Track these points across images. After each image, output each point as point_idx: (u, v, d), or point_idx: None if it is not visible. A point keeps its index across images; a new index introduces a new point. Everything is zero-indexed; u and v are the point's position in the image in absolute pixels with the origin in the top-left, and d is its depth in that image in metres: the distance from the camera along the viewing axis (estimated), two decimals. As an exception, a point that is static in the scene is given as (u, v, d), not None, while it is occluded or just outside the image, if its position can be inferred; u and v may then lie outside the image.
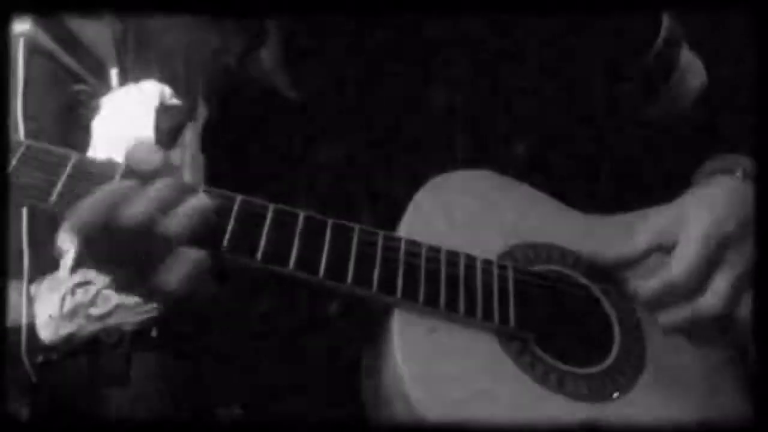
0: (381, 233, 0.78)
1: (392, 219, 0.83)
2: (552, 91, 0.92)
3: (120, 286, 0.76)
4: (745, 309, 0.78)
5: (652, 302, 0.80)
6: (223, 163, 0.91)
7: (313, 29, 0.90)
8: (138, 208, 0.69)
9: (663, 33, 0.93)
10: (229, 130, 0.92)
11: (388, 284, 0.76)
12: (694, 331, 0.80)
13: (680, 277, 0.78)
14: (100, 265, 0.76)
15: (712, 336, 0.80)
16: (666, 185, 0.92)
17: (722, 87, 0.96)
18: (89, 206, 0.69)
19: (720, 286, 0.78)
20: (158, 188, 0.71)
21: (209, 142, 0.90)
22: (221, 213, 0.74)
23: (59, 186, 0.72)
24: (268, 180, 0.83)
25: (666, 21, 0.94)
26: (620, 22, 0.92)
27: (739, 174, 0.86)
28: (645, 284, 0.80)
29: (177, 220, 0.70)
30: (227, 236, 0.74)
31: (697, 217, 0.80)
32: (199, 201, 0.72)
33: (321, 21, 0.90)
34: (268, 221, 0.75)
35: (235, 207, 0.75)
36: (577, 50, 0.92)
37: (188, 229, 0.70)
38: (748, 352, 0.85)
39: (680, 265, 0.78)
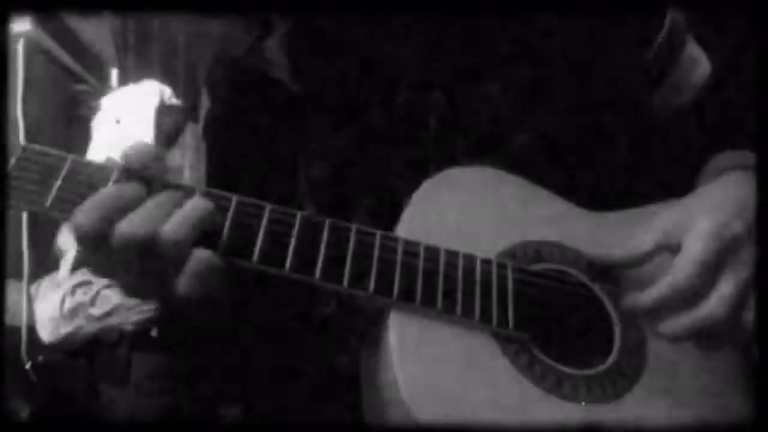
0: (378, 233, 0.78)
1: (392, 216, 0.82)
2: (554, 83, 0.91)
3: (128, 292, 0.76)
4: (750, 313, 0.76)
5: (654, 311, 0.78)
6: (225, 154, 0.90)
7: (318, 23, 0.89)
8: (136, 222, 0.69)
9: (666, 24, 0.92)
10: (231, 121, 0.91)
11: (384, 286, 0.75)
12: (700, 337, 0.78)
13: (683, 283, 0.76)
14: (103, 273, 0.75)
15: (718, 341, 0.79)
16: (671, 180, 0.91)
17: (726, 78, 0.95)
18: (86, 213, 0.69)
19: (725, 290, 0.76)
20: (157, 201, 0.70)
21: (211, 133, 0.89)
22: (217, 215, 0.74)
23: (54, 190, 0.71)
24: (269, 172, 0.83)
25: (669, 12, 0.93)
26: (623, 13, 0.91)
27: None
28: (646, 293, 0.78)
29: (175, 227, 0.69)
30: (223, 238, 0.73)
31: (702, 218, 0.78)
32: (197, 203, 0.72)
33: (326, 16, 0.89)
34: (264, 222, 0.74)
35: (231, 208, 0.74)
36: (580, 41, 0.91)
37: (187, 233, 0.70)
38: (750, 352, 0.84)
39: (683, 270, 0.76)
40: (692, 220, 0.79)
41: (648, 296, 0.78)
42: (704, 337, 0.78)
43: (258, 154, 0.83)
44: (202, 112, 0.90)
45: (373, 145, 0.89)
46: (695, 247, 0.77)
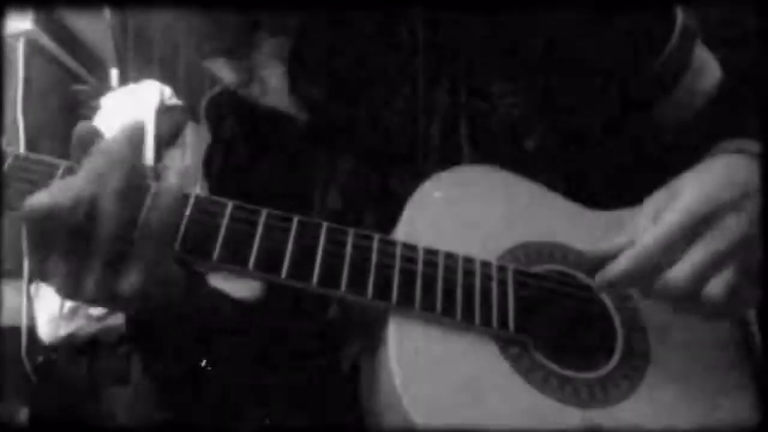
0: (376, 237, 0.77)
1: (394, 218, 0.82)
2: (564, 88, 0.90)
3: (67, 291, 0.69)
4: (716, 288, 0.74)
5: (622, 284, 0.77)
6: (229, 185, 0.89)
7: (319, 47, 0.89)
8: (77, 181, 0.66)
9: (677, 31, 0.91)
10: (233, 152, 0.90)
11: (383, 290, 0.75)
12: (666, 301, 0.77)
13: (650, 247, 0.75)
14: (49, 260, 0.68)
15: (686, 308, 0.77)
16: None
17: (737, 84, 0.94)
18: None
19: (690, 258, 0.74)
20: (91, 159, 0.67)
21: (215, 169, 0.88)
22: (212, 220, 0.73)
23: None
24: (280, 206, 0.81)
25: (680, 18, 0.92)
26: (633, 20, 0.91)
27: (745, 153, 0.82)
28: (611, 265, 0.77)
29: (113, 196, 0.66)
30: (218, 245, 0.72)
31: (687, 190, 0.77)
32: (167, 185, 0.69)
33: (326, 39, 0.89)
34: (260, 227, 0.73)
35: (227, 214, 0.73)
36: (590, 48, 0.90)
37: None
38: (754, 353, 0.84)
39: (652, 234, 0.75)
40: (678, 193, 0.78)
41: (611, 269, 0.77)
42: (671, 301, 0.77)
43: (265, 188, 0.81)
44: (203, 145, 0.88)
45: (381, 162, 0.89)
46: (670, 216, 0.76)
